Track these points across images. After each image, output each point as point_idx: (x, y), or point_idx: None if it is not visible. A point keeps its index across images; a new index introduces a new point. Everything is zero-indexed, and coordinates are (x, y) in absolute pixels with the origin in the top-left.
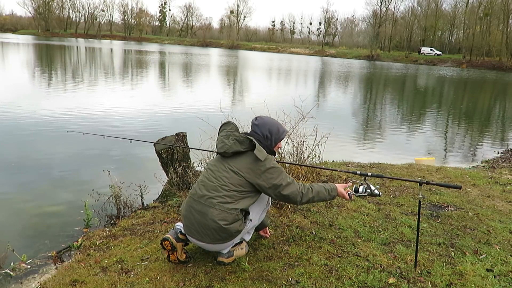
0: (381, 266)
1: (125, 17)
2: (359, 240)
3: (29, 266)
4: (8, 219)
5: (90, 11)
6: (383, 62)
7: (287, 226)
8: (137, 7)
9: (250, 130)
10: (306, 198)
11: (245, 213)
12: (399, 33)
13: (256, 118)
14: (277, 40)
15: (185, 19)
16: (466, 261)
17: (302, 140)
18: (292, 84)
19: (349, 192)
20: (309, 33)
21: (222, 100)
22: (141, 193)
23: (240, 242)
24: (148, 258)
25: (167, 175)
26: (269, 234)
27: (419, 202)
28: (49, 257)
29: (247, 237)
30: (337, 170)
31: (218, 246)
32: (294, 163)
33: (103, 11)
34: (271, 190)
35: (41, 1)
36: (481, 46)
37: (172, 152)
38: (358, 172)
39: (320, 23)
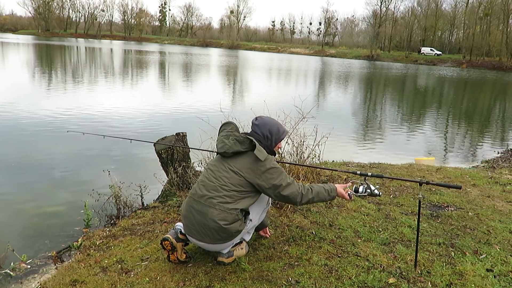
0: (381, 266)
1: (125, 17)
2: (359, 240)
3: (29, 266)
4: (8, 219)
5: (90, 11)
6: (383, 62)
7: (287, 226)
8: (137, 7)
9: (250, 130)
10: (306, 198)
11: (245, 213)
12: (399, 33)
13: (256, 118)
14: (277, 40)
15: (185, 19)
16: (466, 261)
17: (302, 140)
18: (292, 84)
19: (349, 192)
20: (309, 33)
21: (222, 100)
22: (141, 193)
23: (240, 242)
24: (148, 258)
25: (167, 175)
26: (269, 234)
27: (419, 202)
28: (49, 257)
29: (247, 237)
30: (337, 170)
31: (218, 246)
32: (294, 163)
33: (103, 11)
34: (271, 190)
35: (41, 1)
36: (481, 46)
37: (172, 152)
38: (358, 172)
39: (320, 23)
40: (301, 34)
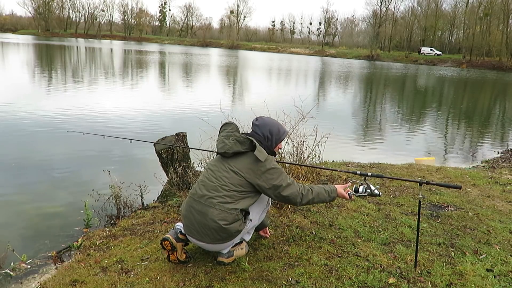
0: (381, 266)
1: (125, 17)
2: (359, 240)
3: (29, 266)
4: (8, 219)
5: (90, 11)
6: (383, 62)
7: (287, 226)
8: (137, 7)
9: (251, 130)
10: (306, 199)
11: (245, 213)
12: (399, 33)
13: (256, 119)
14: (277, 40)
15: (185, 19)
16: (466, 261)
17: (302, 140)
18: (292, 84)
19: (349, 192)
20: (309, 33)
21: (222, 100)
22: (141, 193)
23: (240, 242)
24: (148, 258)
25: (167, 175)
26: (269, 234)
27: (419, 202)
28: (49, 257)
29: (247, 237)
30: (337, 170)
31: (218, 246)
32: (294, 163)
33: (103, 11)
34: (271, 190)
35: (41, 1)
36: (481, 46)
37: (172, 152)
38: (358, 172)
39: (320, 23)
40: (301, 34)
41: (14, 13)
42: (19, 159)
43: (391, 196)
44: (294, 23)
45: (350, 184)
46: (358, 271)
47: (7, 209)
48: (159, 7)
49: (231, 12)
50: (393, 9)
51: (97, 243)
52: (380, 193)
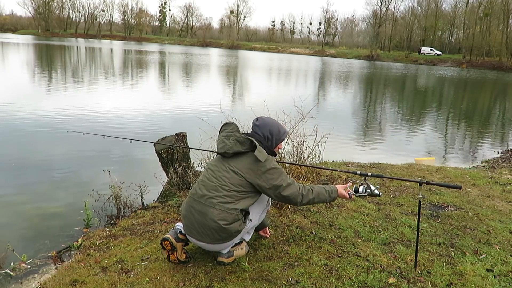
0: (381, 266)
1: (125, 17)
2: (359, 240)
3: (29, 266)
4: (8, 219)
5: (90, 11)
6: (383, 62)
7: (287, 226)
8: (137, 7)
9: (251, 130)
10: (306, 199)
11: (245, 213)
12: (399, 33)
13: (257, 119)
14: (277, 40)
15: (185, 19)
16: (466, 261)
17: (302, 140)
18: (292, 84)
19: (349, 192)
20: (309, 33)
21: (222, 100)
22: (141, 193)
23: (240, 242)
24: (148, 258)
25: (167, 175)
26: (269, 234)
27: (419, 202)
28: (49, 257)
29: (247, 237)
30: (337, 170)
31: (218, 246)
32: (294, 163)
33: (103, 11)
34: (271, 190)
35: (41, 1)
36: (481, 46)
37: (172, 152)
38: (358, 172)
39: (320, 23)
40: (301, 34)
41: (14, 13)
42: (19, 159)
43: (391, 196)
44: (294, 23)
45: (350, 184)
46: (358, 271)
47: (7, 209)
48: (159, 7)
49: (231, 12)
50: (393, 9)
51: (97, 243)
52: (380, 193)
